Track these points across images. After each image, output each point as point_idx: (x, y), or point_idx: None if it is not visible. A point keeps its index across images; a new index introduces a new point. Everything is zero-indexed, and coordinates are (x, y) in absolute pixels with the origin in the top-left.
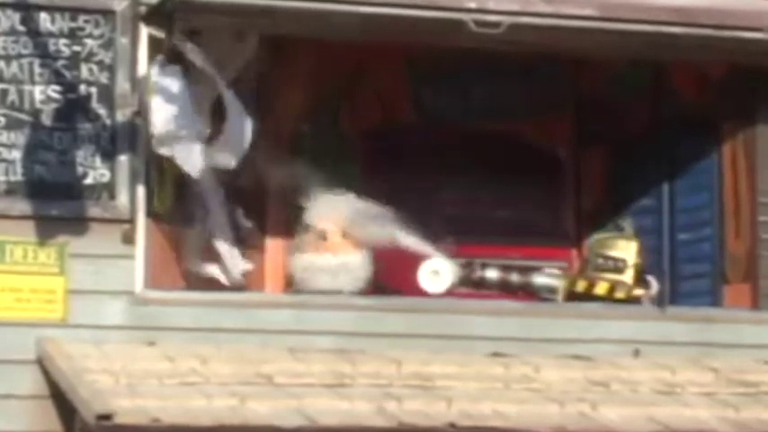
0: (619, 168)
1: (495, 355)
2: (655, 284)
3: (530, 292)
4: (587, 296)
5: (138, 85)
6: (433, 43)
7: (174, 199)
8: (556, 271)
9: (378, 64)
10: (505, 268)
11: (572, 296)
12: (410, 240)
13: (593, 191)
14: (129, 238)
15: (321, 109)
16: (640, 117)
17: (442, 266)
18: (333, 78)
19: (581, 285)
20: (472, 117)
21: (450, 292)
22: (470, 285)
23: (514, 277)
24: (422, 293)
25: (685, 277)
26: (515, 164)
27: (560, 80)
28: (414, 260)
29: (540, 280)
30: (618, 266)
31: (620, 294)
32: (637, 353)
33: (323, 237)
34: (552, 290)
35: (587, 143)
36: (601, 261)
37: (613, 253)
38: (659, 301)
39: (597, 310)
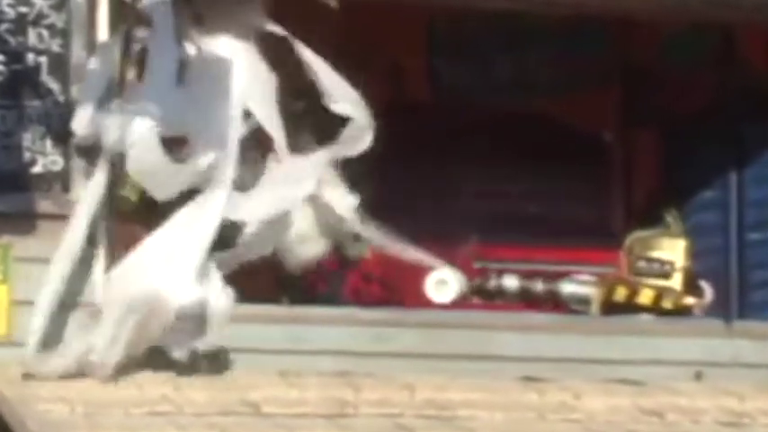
0: (676, 154)
1: (527, 379)
2: (709, 291)
3: (557, 304)
4: (629, 306)
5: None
6: (455, 5)
7: (143, 192)
8: (588, 277)
9: (388, 30)
10: (528, 275)
11: (611, 307)
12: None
13: (644, 181)
14: (87, 238)
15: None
16: (702, 92)
17: (450, 276)
18: (333, 46)
19: (621, 293)
20: (499, 94)
21: (471, 304)
22: (485, 296)
23: (539, 286)
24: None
25: (756, 285)
26: (551, 149)
27: (605, 48)
28: (418, 269)
29: (568, 289)
30: (664, 270)
31: (667, 304)
32: (698, 376)
33: None
34: (583, 300)
35: (638, 123)
36: (643, 264)
37: (657, 254)
38: (725, 315)
39: (650, 326)
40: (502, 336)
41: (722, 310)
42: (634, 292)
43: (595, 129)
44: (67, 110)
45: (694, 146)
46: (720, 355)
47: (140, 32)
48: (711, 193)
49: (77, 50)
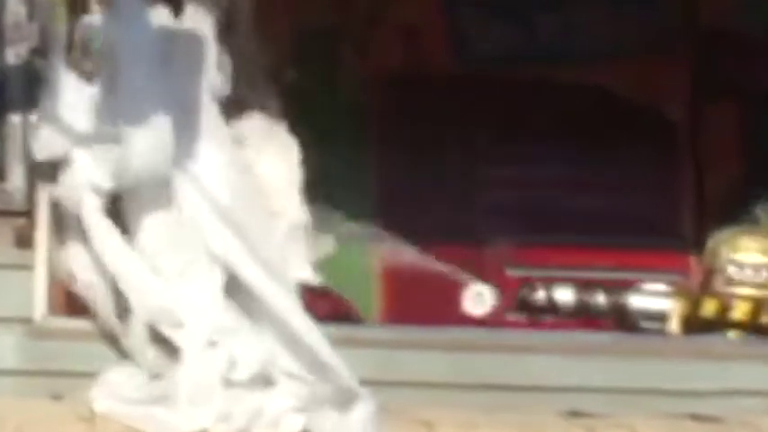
0: (757, 134)
1: (573, 413)
2: None
3: (622, 321)
4: (720, 323)
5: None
6: None
7: None
8: (663, 287)
9: None
10: (585, 286)
11: (694, 324)
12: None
13: (721, 166)
14: (25, 240)
15: (316, 46)
16: None
17: (484, 288)
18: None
19: (710, 307)
20: (539, 61)
21: (505, 321)
22: (532, 312)
23: (600, 299)
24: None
25: None
26: (604, 129)
27: (671, 5)
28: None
29: (639, 302)
30: (761, 277)
31: (765, 319)
32: None
33: None
34: (659, 316)
35: (711, 98)
36: (734, 270)
37: (750, 258)
38: None
39: (726, 348)
40: (542, 360)
41: None
42: (725, 305)
43: (659, 103)
44: (2, 79)
45: None
46: None
47: None
48: None
49: (14, 6)
